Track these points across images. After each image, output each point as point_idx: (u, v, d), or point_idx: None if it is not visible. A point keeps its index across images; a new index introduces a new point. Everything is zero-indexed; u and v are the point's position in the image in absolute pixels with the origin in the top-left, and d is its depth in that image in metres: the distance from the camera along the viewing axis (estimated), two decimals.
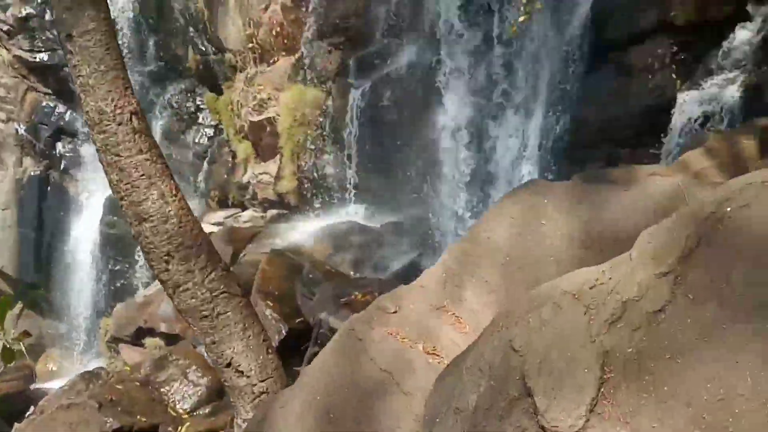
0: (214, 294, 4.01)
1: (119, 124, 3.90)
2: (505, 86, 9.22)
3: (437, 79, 10.08)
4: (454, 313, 3.06)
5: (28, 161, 16.21)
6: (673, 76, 7.52)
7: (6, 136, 16.03)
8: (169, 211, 3.98)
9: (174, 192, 4.03)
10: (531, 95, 8.99)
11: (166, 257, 3.98)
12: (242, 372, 3.99)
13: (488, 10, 9.40)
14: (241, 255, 11.39)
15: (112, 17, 15.79)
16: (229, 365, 4.00)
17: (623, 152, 8.38)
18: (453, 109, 10.22)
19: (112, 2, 15.46)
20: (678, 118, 7.20)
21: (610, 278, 2.11)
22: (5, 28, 15.64)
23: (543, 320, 2.10)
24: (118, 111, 3.90)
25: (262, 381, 4.00)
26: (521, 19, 5.99)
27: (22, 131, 16.04)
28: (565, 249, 3.04)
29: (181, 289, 4.01)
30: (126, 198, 3.99)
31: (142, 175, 3.93)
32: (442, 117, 10.46)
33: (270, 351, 4.09)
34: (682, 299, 1.94)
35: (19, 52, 15.81)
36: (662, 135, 7.72)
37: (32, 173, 16.20)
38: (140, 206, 3.96)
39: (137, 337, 12.19)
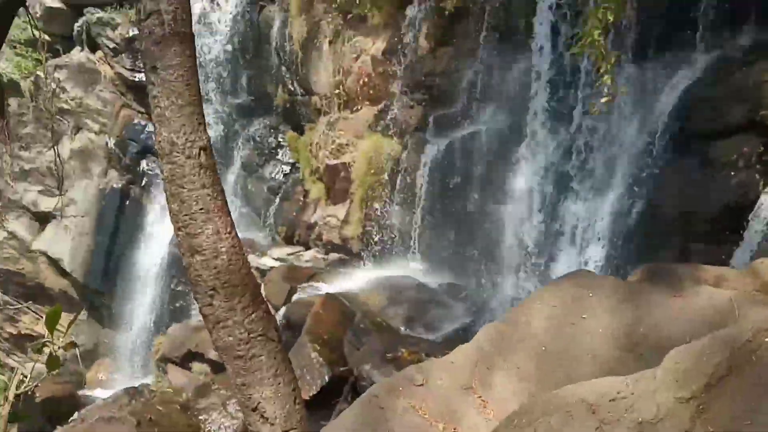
0: (251, 335, 4.03)
1: (188, 158, 4.03)
2: (582, 163, 9.09)
3: (514, 146, 10.04)
4: (480, 396, 2.96)
5: (112, 173, 16.95)
6: (757, 176, 7.26)
7: (96, 147, 16.84)
8: (221, 247, 4.05)
9: (229, 229, 4.11)
10: (608, 176, 8.83)
11: (211, 292, 4.03)
12: (267, 418, 3.96)
13: (574, 86, 9.37)
14: (297, 294, 11.48)
15: (212, 49, 16.49)
16: (255, 409, 3.98)
17: (697, 247, 8.09)
18: (526, 179, 10.14)
19: (213, 34, 16.32)
20: (758, 221, 6.91)
21: (632, 393, 1.99)
22: (111, 45, 16.57)
23: (552, 430, 2.00)
24: (189, 144, 4.04)
25: (286, 431, 3.96)
26: (603, 100, 5.92)
27: (111, 144, 16.83)
28: (605, 348, 2.92)
29: (221, 325, 4.04)
30: (183, 229, 4.09)
31: (201, 208, 4.03)
32: (515, 185, 10.38)
33: (298, 401, 4.05)
34: (701, 430, 1.81)
35: (120, 70, 16.68)
36: (740, 235, 7.44)
37: (114, 185, 16.91)
38: (195, 239, 4.06)
39: (186, 360, 12.39)
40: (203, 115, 4.22)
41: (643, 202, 8.56)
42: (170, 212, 4.22)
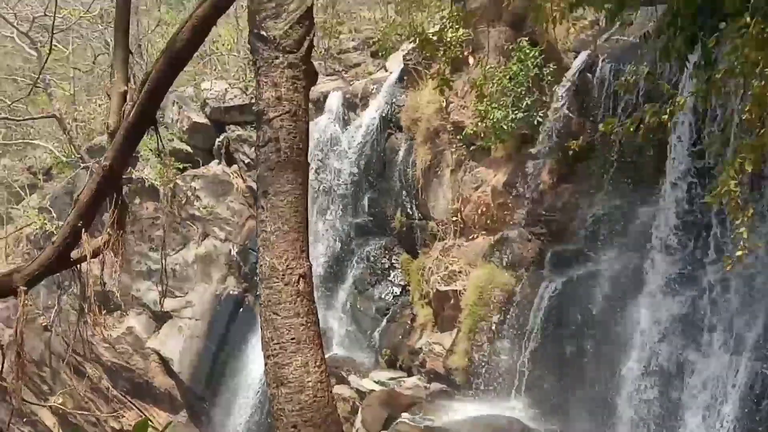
0: None
1: (286, 284, 3.97)
2: (712, 320, 8.36)
3: (636, 293, 9.44)
4: None
5: (231, 280, 17.50)
6: None
7: (219, 254, 17.55)
8: (308, 381, 3.88)
9: (318, 363, 3.95)
10: (741, 338, 8.04)
11: (292, 428, 3.84)
12: None
13: (707, 232, 8.76)
14: (396, 422, 11.03)
15: (340, 170, 17.04)
16: None
17: None
18: (648, 330, 9.44)
19: (341, 157, 16.97)
20: None
21: None
22: (246, 160, 17.56)
23: None
24: (289, 271, 3.99)
25: None
26: (738, 254, 5.44)
27: (234, 252, 17.49)
28: None
29: None
30: (272, 358, 3.98)
31: (293, 338, 3.91)
32: (635, 335, 9.68)
33: None
34: None
35: (251, 183, 17.56)
36: None
37: (231, 291, 17.40)
38: (282, 369, 3.92)
39: None
40: (307, 243, 4.21)
41: None
42: (262, 339, 4.14)
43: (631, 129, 5.58)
